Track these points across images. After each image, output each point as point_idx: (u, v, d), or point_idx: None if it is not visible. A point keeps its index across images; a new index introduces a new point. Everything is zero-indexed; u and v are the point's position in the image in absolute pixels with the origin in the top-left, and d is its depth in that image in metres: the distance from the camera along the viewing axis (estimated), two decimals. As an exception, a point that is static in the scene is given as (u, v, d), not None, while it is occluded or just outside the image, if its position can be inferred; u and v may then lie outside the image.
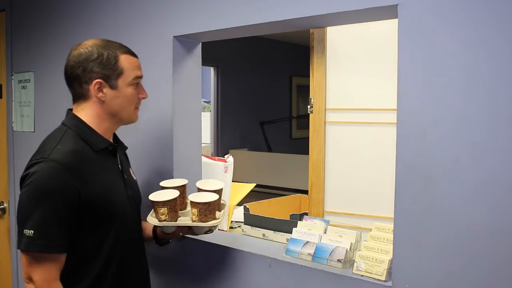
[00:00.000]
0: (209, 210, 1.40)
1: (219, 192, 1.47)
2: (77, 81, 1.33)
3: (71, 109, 1.39)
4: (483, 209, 1.08)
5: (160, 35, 1.74)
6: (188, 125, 1.79)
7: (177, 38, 1.71)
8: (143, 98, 1.42)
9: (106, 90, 1.33)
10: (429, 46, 1.14)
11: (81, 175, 1.26)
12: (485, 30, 1.07)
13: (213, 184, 1.51)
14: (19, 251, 1.24)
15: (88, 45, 1.34)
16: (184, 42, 1.74)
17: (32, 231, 1.19)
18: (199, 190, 1.49)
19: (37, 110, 2.41)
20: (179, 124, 1.75)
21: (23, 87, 2.49)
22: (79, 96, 1.35)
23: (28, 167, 1.26)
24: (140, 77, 1.40)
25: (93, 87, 1.32)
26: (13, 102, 2.59)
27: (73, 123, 1.34)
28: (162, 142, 1.76)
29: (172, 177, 1.67)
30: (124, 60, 1.35)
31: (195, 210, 1.40)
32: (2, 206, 2.70)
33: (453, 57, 1.11)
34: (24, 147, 2.51)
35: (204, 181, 1.54)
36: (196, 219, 1.41)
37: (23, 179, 1.26)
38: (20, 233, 1.21)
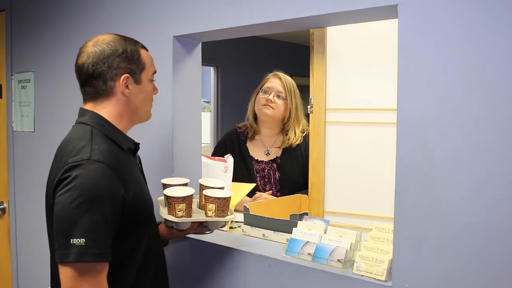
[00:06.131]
0: (226, 205, 1.43)
1: (223, 189, 1.50)
2: (100, 78, 1.27)
3: (83, 108, 1.32)
4: (483, 209, 1.08)
5: (160, 35, 1.74)
6: (188, 125, 1.79)
7: (177, 38, 1.71)
8: (155, 93, 1.40)
9: (132, 85, 1.29)
10: (429, 46, 1.14)
11: (123, 176, 1.21)
12: (485, 30, 1.07)
13: (216, 182, 1.53)
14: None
15: (108, 41, 1.29)
16: (184, 42, 1.74)
17: (84, 240, 1.09)
18: (204, 187, 1.50)
19: (37, 110, 2.41)
20: (179, 124, 1.75)
21: (23, 87, 2.49)
22: (100, 93, 1.29)
23: (67, 170, 1.15)
24: (155, 72, 1.39)
25: (120, 83, 1.27)
26: (13, 102, 2.59)
27: (96, 122, 1.27)
28: (162, 142, 1.76)
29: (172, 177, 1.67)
30: (144, 54, 1.34)
31: (212, 206, 1.41)
32: (2, 206, 2.70)
33: (453, 57, 1.11)
34: (24, 147, 2.50)
35: (207, 180, 1.55)
36: (213, 214, 1.42)
37: (59, 183, 1.16)
38: (66, 243, 1.10)
